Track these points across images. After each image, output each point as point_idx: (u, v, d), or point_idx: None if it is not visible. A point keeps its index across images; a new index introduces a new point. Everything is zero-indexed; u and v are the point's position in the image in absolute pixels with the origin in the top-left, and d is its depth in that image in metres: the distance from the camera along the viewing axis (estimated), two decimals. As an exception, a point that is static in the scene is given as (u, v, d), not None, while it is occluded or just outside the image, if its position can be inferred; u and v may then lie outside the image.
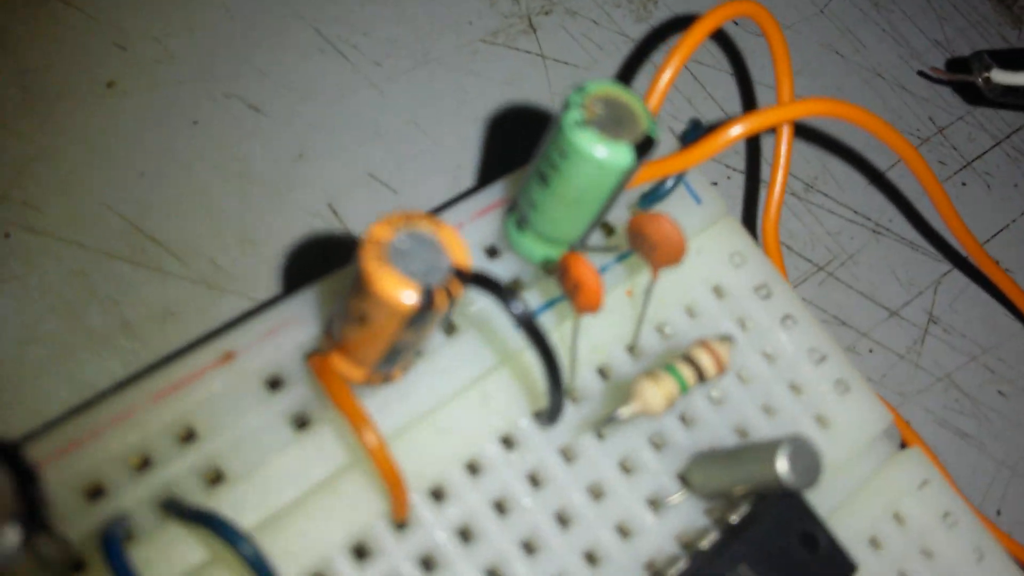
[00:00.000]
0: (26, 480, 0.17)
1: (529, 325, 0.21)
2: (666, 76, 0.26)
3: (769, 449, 0.21)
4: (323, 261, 0.28)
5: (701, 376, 0.22)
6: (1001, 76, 0.34)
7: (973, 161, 0.37)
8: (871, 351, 0.33)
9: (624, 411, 0.22)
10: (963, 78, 0.36)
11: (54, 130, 0.28)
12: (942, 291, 0.34)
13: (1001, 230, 0.37)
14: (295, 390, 0.23)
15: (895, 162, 0.36)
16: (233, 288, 0.27)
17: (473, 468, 0.23)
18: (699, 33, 0.26)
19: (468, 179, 0.31)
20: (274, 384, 0.23)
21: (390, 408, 0.23)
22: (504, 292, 0.20)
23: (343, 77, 0.31)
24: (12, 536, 0.17)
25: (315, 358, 0.22)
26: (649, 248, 0.23)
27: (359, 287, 0.20)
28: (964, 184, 0.37)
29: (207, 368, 0.22)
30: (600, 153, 0.21)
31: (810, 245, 0.34)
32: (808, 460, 0.21)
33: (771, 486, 0.22)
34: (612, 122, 0.21)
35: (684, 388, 0.22)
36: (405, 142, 0.31)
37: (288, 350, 0.23)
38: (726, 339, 0.23)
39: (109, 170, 0.28)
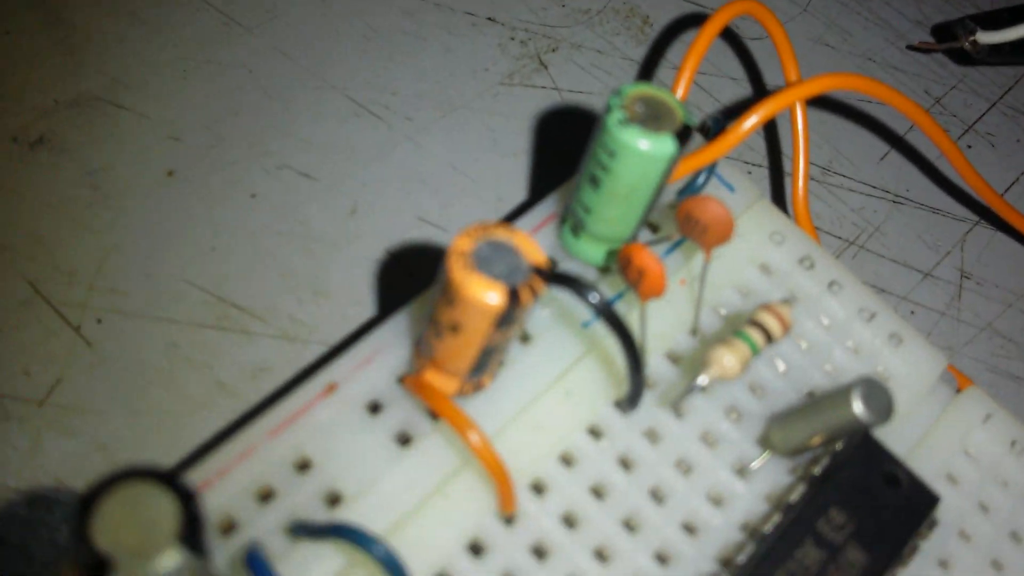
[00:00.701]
0: (187, 504, 0.18)
1: (608, 312, 0.22)
2: (687, 72, 0.28)
3: (842, 393, 0.23)
4: (390, 298, 0.30)
5: (769, 337, 0.24)
6: (986, 36, 0.36)
7: (974, 124, 0.39)
8: (913, 312, 0.34)
9: (703, 378, 0.23)
10: (950, 45, 0.38)
11: (126, 221, 0.30)
12: (968, 247, 0.36)
13: (1012, 184, 0.38)
14: (394, 411, 0.24)
15: (903, 133, 0.38)
16: (314, 338, 0.29)
17: (567, 460, 0.25)
18: (709, 32, 0.28)
19: (509, 208, 0.33)
20: (375, 408, 0.25)
21: (484, 413, 0.25)
22: (582, 284, 0.22)
23: (380, 135, 0.33)
24: (176, 557, 0.18)
25: (409, 378, 0.24)
26: (701, 230, 0.25)
27: (449, 297, 0.22)
28: (969, 147, 0.39)
29: (314, 401, 0.24)
30: (645, 145, 0.23)
31: (837, 223, 0.36)
32: (880, 397, 0.23)
33: (848, 429, 0.23)
34: (651, 117, 0.23)
35: (755, 350, 0.24)
36: (447, 185, 0.33)
37: (383, 375, 0.25)
38: (787, 301, 0.24)
39: (182, 249, 0.30)
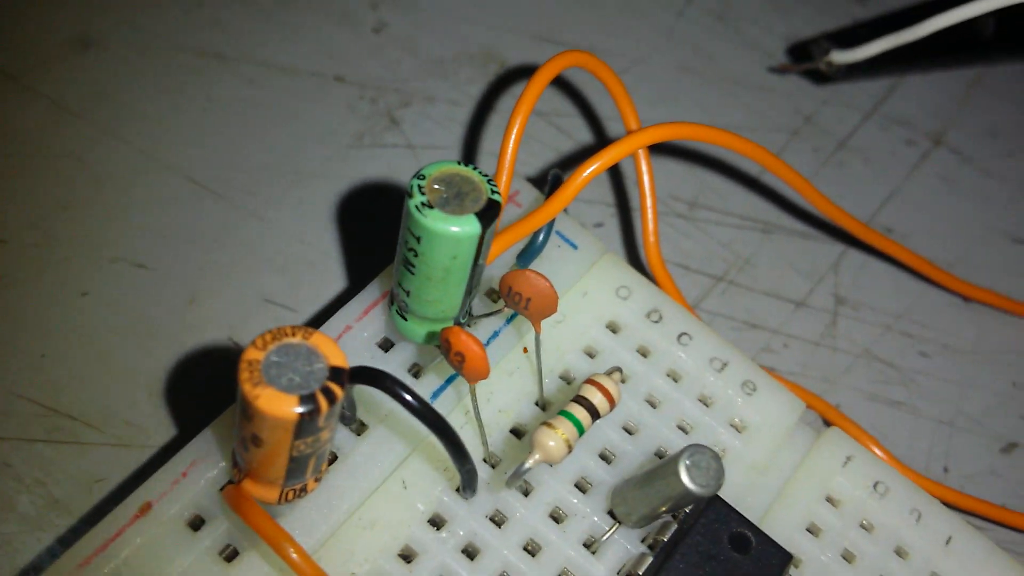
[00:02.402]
0: None
1: (413, 404, 0.21)
2: (513, 134, 0.27)
3: (669, 465, 0.22)
4: (232, 396, 0.29)
5: (595, 414, 0.23)
6: (840, 56, 0.35)
7: (847, 140, 0.39)
8: (786, 346, 0.33)
9: (528, 462, 0.22)
10: (807, 66, 0.37)
11: (-48, 333, 0.29)
12: (843, 271, 0.36)
13: (889, 197, 0.38)
14: (218, 524, 0.23)
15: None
16: (152, 442, 0.28)
17: (407, 556, 0.24)
18: (536, 88, 0.27)
19: (367, 280, 0.32)
20: (197, 524, 0.23)
21: (312, 518, 0.24)
22: (382, 378, 0.21)
23: (221, 214, 0.32)
24: None
25: (228, 489, 0.23)
26: (524, 303, 0.24)
27: (245, 411, 0.21)
28: (843, 164, 0.38)
29: (127, 524, 0.23)
30: (448, 228, 0.22)
31: (706, 260, 0.35)
32: (709, 464, 0.22)
33: (685, 500, 0.22)
34: (455, 197, 0.22)
35: (580, 429, 0.23)
36: (296, 261, 0.32)
37: (202, 488, 0.24)
38: (613, 370, 0.23)
39: (11, 359, 0.29)
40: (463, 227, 0.22)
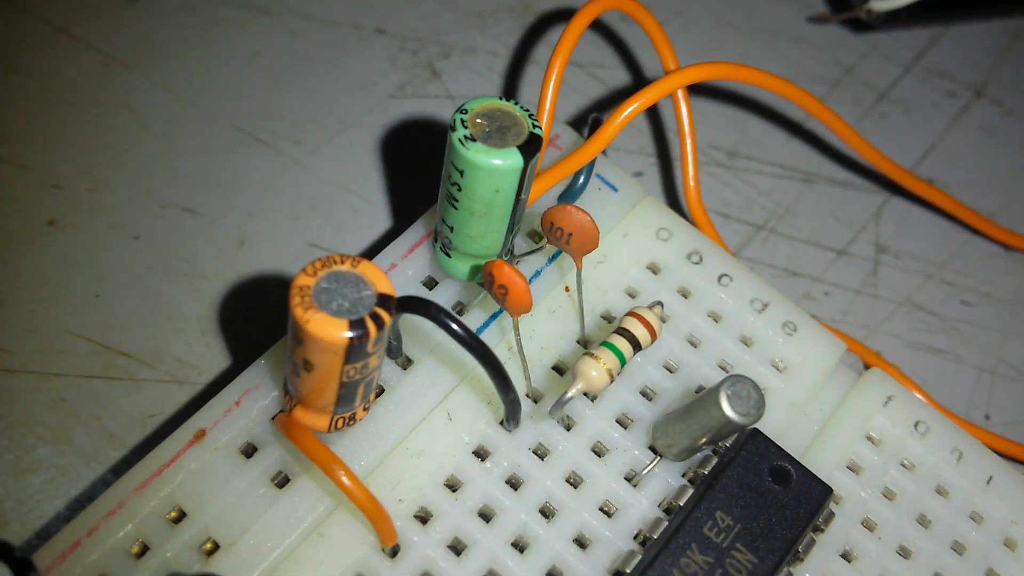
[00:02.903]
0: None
1: (458, 332, 0.22)
2: (553, 76, 0.27)
3: (711, 395, 0.22)
4: (280, 334, 0.29)
5: (637, 345, 0.23)
6: (880, 4, 0.35)
7: (888, 91, 0.39)
8: (827, 294, 0.33)
9: (570, 392, 0.23)
10: (847, 15, 0.37)
11: (7, 275, 0.30)
12: (884, 221, 0.35)
13: (930, 149, 0.38)
14: (270, 452, 0.24)
15: (807, 116, 0.37)
16: (203, 379, 0.29)
17: (452, 485, 0.24)
18: (575, 30, 0.27)
19: (404, 227, 0.32)
20: (250, 451, 0.24)
21: (361, 445, 0.24)
22: (430, 307, 0.22)
23: (267, 162, 0.33)
24: None
25: (279, 417, 0.24)
26: (566, 239, 0.24)
27: (296, 336, 0.21)
28: (884, 116, 0.38)
29: (181, 451, 0.24)
30: (491, 161, 0.22)
31: (746, 208, 0.35)
32: (749, 394, 0.22)
33: (726, 430, 0.23)
34: (497, 131, 0.23)
35: (622, 359, 0.23)
36: (340, 207, 0.32)
37: (255, 417, 0.24)
38: (655, 304, 0.24)
39: (66, 299, 0.29)
40: (505, 160, 0.23)
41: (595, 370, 0.22)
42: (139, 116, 0.33)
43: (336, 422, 0.24)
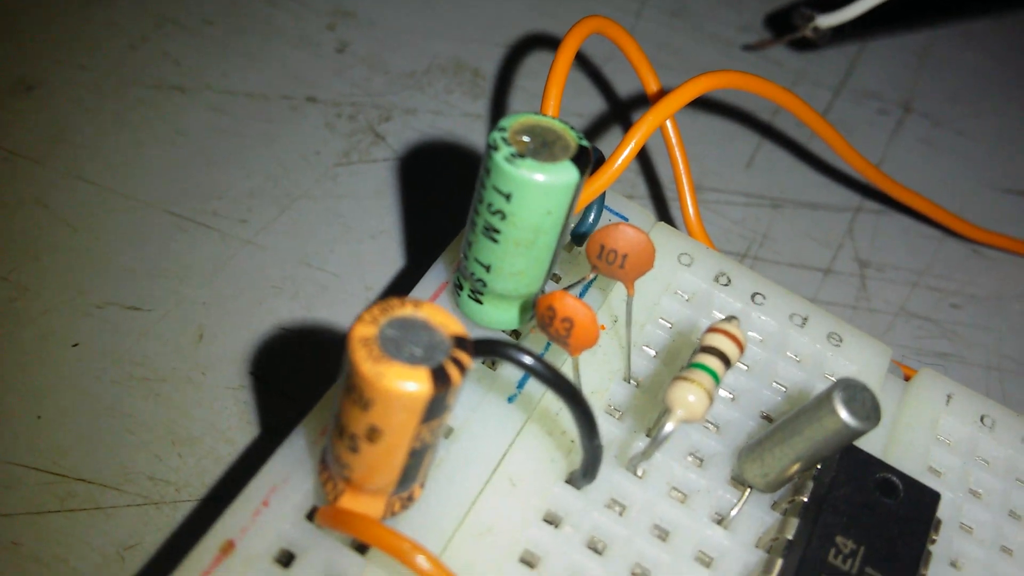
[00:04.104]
0: None
1: (552, 375, 0.19)
2: (553, 93, 0.25)
3: (822, 404, 0.20)
4: (269, 426, 0.25)
5: (727, 361, 0.21)
6: (828, 19, 0.35)
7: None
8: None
9: (670, 424, 0.20)
10: (792, 36, 0.37)
11: (-76, 408, 0.25)
12: (858, 235, 0.35)
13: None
14: (312, 556, 0.20)
15: (761, 134, 0.37)
16: (184, 495, 0.24)
17: (529, 561, 0.21)
18: (567, 52, 0.25)
19: (381, 295, 0.29)
20: (287, 559, 0.20)
21: (423, 529, 0.20)
22: (515, 349, 0.19)
23: (214, 246, 0.29)
24: None
25: (323, 511, 0.20)
26: (619, 262, 0.22)
27: (360, 398, 0.18)
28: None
29: (210, 568, 0.19)
30: (545, 177, 0.20)
31: (726, 239, 0.33)
32: (863, 396, 0.20)
33: (836, 442, 0.20)
34: (542, 146, 0.20)
35: (717, 378, 0.20)
36: (306, 284, 0.29)
37: (289, 516, 0.20)
38: (731, 317, 0.21)
39: (4, 426, 0.24)
40: (560, 175, 0.20)
41: (692, 394, 0.20)
42: (57, 212, 0.29)
43: (393, 505, 0.20)
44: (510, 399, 0.23)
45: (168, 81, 0.33)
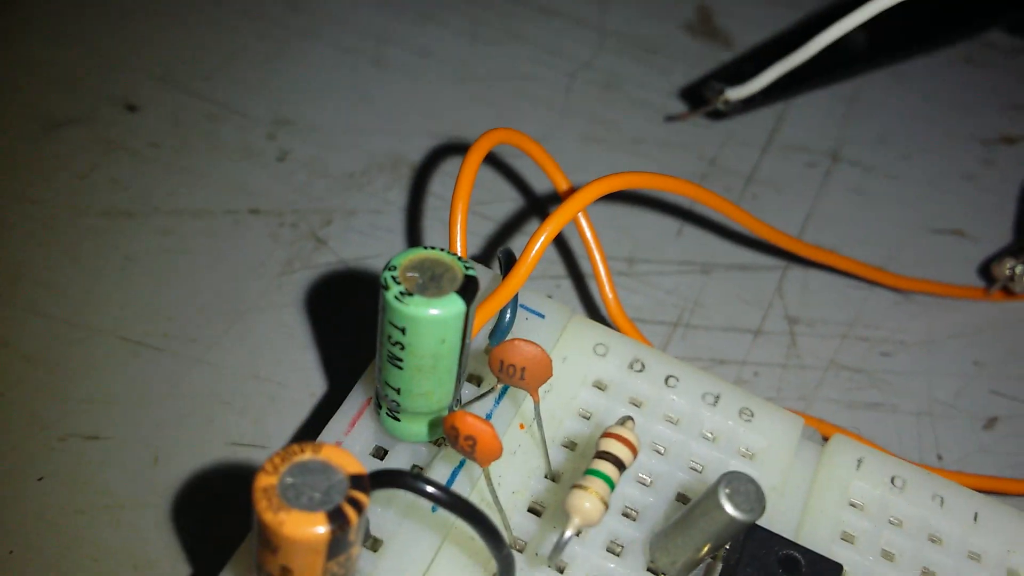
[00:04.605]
0: None
1: (441, 496, 0.20)
2: (459, 216, 0.27)
3: (709, 499, 0.22)
4: (222, 550, 0.27)
5: (620, 465, 0.22)
6: (735, 93, 0.37)
7: (753, 174, 0.40)
8: (756, 374, 0.34)
9: (568, 531, 0.21)
10: (704, 109, 0.39)
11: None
12: (787, 293, 0.36)
13: (807, 219, 0.39)
14: None
15: (690, 203, 0.38)
16: (149, 617, 0.26)
17: (459, 664, 0.23)
18: (469, 170, 0.27)
19: (333, 399, 0.31)
20: None
21: (353, 647, 0.22)
22: (408, 477, 0.20)
23: (165, 367, 0.31)
24: None
25: (257, 638, 0.21)
26: (519, 375, 0.23)
27: (269, 544, 0.19)
28: (756, 197, 0.39)
29: None
30: (434, 312, 0.21)
31: (658, 310, 0.35)
32: (747, 489, 0.21)
33: (731, 530, 0.22)
34: (431, 280, 0.22)
35: (611, 484, 0.22)
36: (254, 398, 0.31)
37: (228, 644, 0.22)
38: (625, 419, 0.23)
39: (-27, 565, 0.26)
40: (447, 308, 0.22)
41: (588, 501, 0.21)
42: (16, 349, 0.31)
43: (321, 629, 0.21)
44: (434, 509, 0.24)
45: (117, 207, 0.35)
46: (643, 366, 0.28)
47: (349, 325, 0.33)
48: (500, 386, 0.25)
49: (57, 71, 0.39)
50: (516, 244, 0.36)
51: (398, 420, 0.24)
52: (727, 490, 0.21)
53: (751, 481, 0.22)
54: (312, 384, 0.31)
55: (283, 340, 0.32)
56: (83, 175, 0.36)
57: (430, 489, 0.20)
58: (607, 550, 0.24)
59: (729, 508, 0.21)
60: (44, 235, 0.34)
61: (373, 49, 0.42)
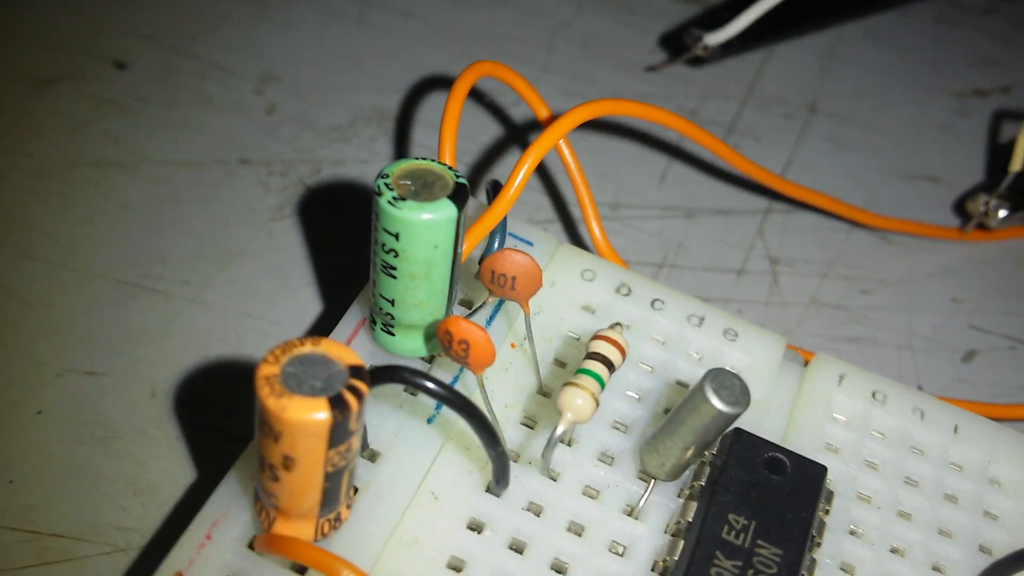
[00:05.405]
0: None
1: (438, 390, 0.21)
2: (448, 131, 0.27)
3: (695, 394, 0.22)
4: (222, 469, 0.28)
5: (610, 365, 0.23)
6: (714, 38, 0.38)
7: (734, 125, 0.41)
8: (740, 311, 0.34)
9: (560, 427, 0.22)
10: (685, 57, 0.39)
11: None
12: (768, 236, 0.37)
13: (786, 167, 0.40)
14: (256, 580, 0.22)
15: (673, 148, 0.39)
16: (147, 540, 0.26)
17: (456, 566, 0.23)
18: (457, 97, 0.28)
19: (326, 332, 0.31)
20: (234, 585, 0.22)
21: (353, 547, 0.22)
22: (409, 373, 0.21)
23: (161, 308, 0.31)
24: None
25: (260, 538, 0.22)
26: (510, 284, 0.24)
27: (271, 431, 0.20)
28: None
29: (161, 601, 0.21)
30: (426, 215, 0.22)
31: (643, 251, 0.36)
32: (732, 382, 0.22)
33: (716, 427, 0.22)
34: (423, 188, 0.23)
35: (601, 382, 0.23)
36: (248, 335, 0.31)
37: (231, 546, 0.22)
38: (615, 324, 0.24)
39: (-26, 493, 0.27)
40: (439, 212, 0.22)
41: (579, 398, 0.22)
42: (13, 292, 0.31)
43: (322, 527, 0.22)
44: (429, 420, 0.25)
45: (109, 159, 0.35)
46: (629, 290, 0.29)
47: (340, 266, 0.33)
48: (492, 302, 0.26)
49: (47, 31, 0.39)
50: (503, 177, 0.36)
51: (392, 335, 0.25)
52: (713, 384, 0.22)
53: (736, 376, 0.22)
54: (305, 321, 0.32)
55: (275, 281, 0.33)
56: (75, 129, 0.36)
57: (428, 384, 0.21)
58: (598, 460, 0.25)
59: (715, 401, 0.22)
60: (38, 185, 0.34)
61: (357, 11, 0.43)
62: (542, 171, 0.38)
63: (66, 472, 0.27)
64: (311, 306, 0.32)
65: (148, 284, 0.32)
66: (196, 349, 0.31)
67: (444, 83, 0.40)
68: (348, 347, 0.21)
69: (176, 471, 0.28)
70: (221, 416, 0.29)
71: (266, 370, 0.20)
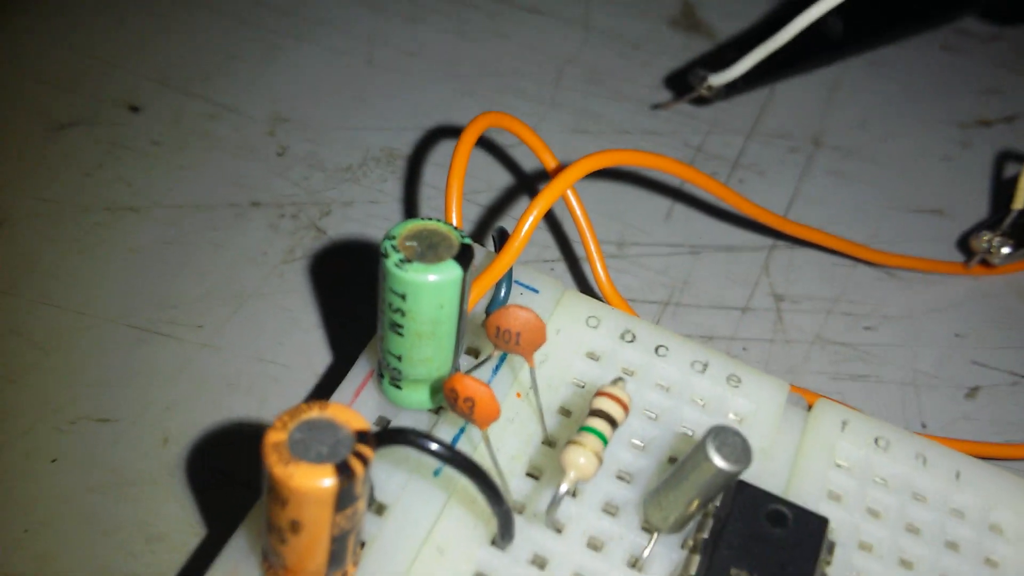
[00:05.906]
0: None
1: (442, 452, 0.21)
2: (454, 194, 0.28)
3: (698, 451, 0.23)
4: (232, 520, 0.28)
5: (613, 422, 0.23)
6: (718, 79, 0.38)
7: (738, 160, 0.41)
8: (745, 349, 0.35)
9: (564, 486, 0.22)
10: (689, 96, 0.40)
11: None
12: (773, 272, 0.37)
13: (791, 202, 0.40)
14: (266, 635, 0.22)
15: (679, 186, 0.39)
16: (163, 586, 0.27)
17: (463, 618, 0.23)
18: (463, 152, 0.28)
19: (331, 382, 0.32)
20: (243, 641, 0.22)
21: (361, 602, 0.23)
22: (412, 435, 0.21)
23: (172, 353, 0.32)
24: None
25: (269, 595, 0.22)
26: (515, 339, 0.24)
27: (279, 497, 0.20)
28: (742, 181, 0.40)
29: (173, 658, 0.22)
30: (432, 277, 0.23)
31: (649, 290, 0.36)
32: (734, 439, 0.22)
33: (718, 483, 0.23)
34: (428, 249, 0.23)
35: (604, 440, 0.23)
36: (259, 379, 0.32)
37: (241, 602, 0.23)
38: (617, 380, 0.24)
39: (-8, 542, 0.27)
40: (445, 273, 0.23)
41: (582, 456, 0.22)
42: (29, 338, 0.32)
43: (330, 583, 0.22)
44: (436, 472, 0.25)
45: (121, 203, 0.36)
46: (634, 336, 0.29)
47: (350, 309, 0.34)
48: (497, 354, 0.26)
49: (61, 75, 0.40)
50: (509, 226, 0.37)
51: (400, 388, 0.25)
52: (715, 442, 0.22)
53: (737, 434, 0.23)
54: (315, 364, 0.32)
55: (286, 324, 0.33)
56: (88, 173, 0.37)
57: (432, 445, 0.21)
58: (603, 511, 0.25)
59: (717, 460, 0.22)
60: (52, 231, 0.35)
61: (364, 50, 0.43)
62: (548, 211, 0.38)
63: (79, 520, 0.28)
64: (322, 350, 0.33)
65: (160, 329, 0.32)
66: (208, 395, 0.31)
67: (452, 122, 0.41)
68: (354, 410, 0.21)
69: (187, 518, 0.28)
70: (232, 462, 0.30)
71: (274, 437, 0.20)
